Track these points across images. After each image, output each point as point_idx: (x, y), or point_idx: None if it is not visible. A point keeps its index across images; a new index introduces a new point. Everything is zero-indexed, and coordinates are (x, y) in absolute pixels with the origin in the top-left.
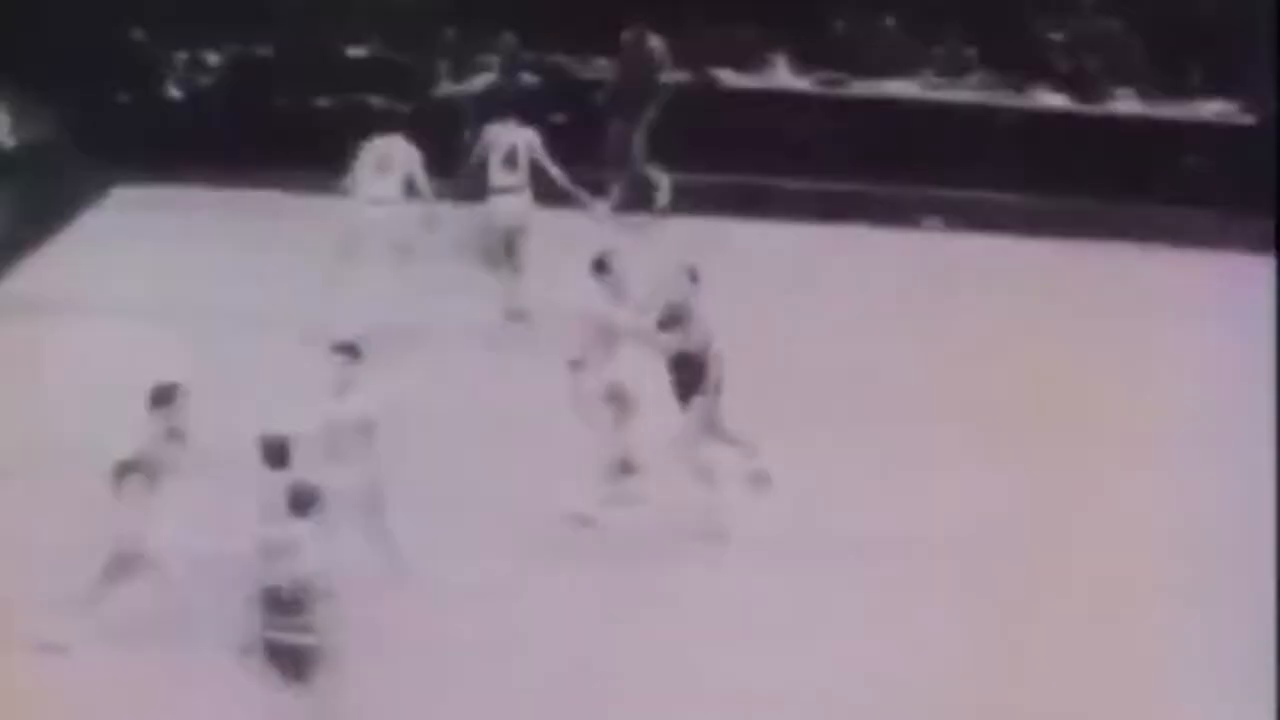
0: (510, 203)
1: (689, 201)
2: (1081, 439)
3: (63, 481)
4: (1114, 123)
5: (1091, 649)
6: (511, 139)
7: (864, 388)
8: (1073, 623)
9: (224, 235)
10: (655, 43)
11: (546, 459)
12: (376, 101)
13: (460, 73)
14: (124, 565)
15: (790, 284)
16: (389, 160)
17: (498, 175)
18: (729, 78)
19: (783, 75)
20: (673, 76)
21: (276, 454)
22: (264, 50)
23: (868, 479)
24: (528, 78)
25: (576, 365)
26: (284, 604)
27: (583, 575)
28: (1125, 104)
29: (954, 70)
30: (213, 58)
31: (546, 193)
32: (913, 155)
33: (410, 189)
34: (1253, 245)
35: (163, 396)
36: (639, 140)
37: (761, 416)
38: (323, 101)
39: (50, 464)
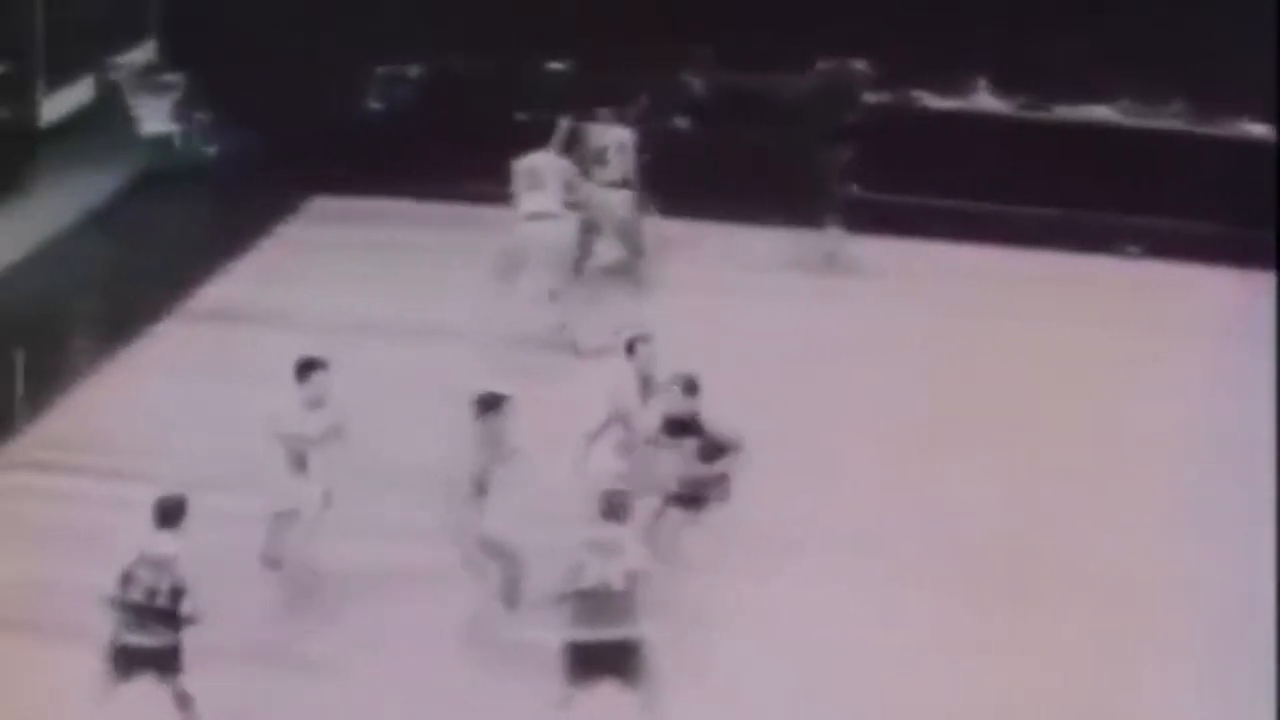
0: (601, 197)
1: (886, 223)
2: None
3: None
4: None
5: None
6: (603, 138)
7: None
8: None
9: (420, 247)
10: (860, 65)
11: None
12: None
13: (655, 88)
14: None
15: (977, 307)
16: (539, 176)
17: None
18: (931, 99)
19: (984, 99)
20: (874, 98)
21: (170, 514)
22: (463, 64)
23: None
24: (720, 93)
25: (591, 437)
26: (601, 605)
27: None
28: None
29: (1153, 97)
30: (413, 70)
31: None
32: (1111, 181)
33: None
34: None
35: (489, 404)
36: (835, 162)
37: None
38: (520, 115)
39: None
